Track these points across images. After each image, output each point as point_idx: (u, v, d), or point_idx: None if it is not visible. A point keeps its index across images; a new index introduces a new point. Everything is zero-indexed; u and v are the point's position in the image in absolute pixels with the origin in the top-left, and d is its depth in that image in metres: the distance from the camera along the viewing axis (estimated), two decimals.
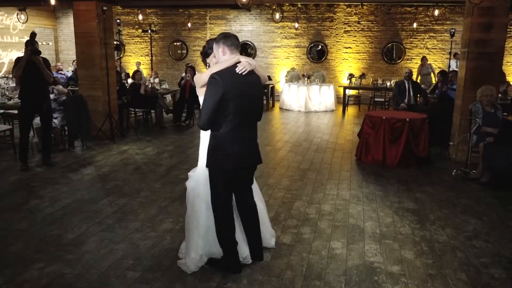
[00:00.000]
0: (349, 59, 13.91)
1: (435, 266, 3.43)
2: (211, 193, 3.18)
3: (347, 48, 13.86)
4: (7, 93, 7.93)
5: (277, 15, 13.05)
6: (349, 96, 13.16)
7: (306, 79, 12.83)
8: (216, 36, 3.14)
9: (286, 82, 13.40)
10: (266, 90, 12.09)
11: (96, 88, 8.05)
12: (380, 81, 12.45)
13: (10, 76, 9.68)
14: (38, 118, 6.36)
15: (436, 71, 12.05)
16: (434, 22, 13.10)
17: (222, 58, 3.08)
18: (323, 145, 7.83)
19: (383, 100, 11.85)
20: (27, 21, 12.90)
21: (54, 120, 6.85)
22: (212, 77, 2.94)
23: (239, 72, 2.99)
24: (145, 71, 13.99)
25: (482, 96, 5.81)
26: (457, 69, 8.22)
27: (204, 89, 3.06)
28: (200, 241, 3.28)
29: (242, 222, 3.35)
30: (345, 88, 12.57)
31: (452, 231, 4.11)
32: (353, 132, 8.87)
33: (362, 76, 13.30)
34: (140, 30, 14.67)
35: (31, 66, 5.75)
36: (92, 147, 7.38)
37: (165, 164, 6.38)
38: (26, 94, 5.94)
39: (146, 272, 3.26)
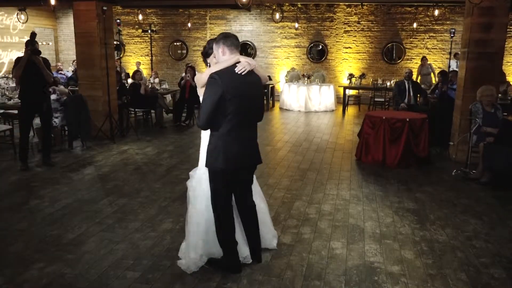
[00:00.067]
0: (349, 59, 13.91)
1: (435, 266, 3.43)
2: (211, 193, 3.18)
3: (347, 48, 13.86)
4: (7, 93, 7.94)
5: (277, 15, 13.05)
6: (349, 96, 13.16)
7: (306, 79, 12.83)
8: (216, 36, 3.15)
9: (286, 82, 13.40)
10: (266, 90, 12.09)
11: (96, 88, 8.05)
12: (380, 81, 12.45)
13: (10, 76, 9.68)
14: (38, 118, 6.36)
15: (436, 71, 12.05)
16: (434, 22, 13.10)
17: (222, 58, 3.08)
18: (323, 145, 7.83)
19: (383, 100, 11.85)
20: (27, 21, 12.91)
21: (55, 120, 6.85)
22: (212, 76, 2.94)
23: (239, 72, 2.99)
24: (145, 71, 13.99)
25: (482, 96, 5.81)
26: (457, 69, 8.22)
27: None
28: (200, 241, 3.28)
29: (242, 222, 3.35)
30: (345, 88, 12.58)
31: (452, 231, 4.12)
32: (353, 132, 8.87)
33: (362, 76, 13.29)
34: (140, 30, 14.66)
35: (31, 66, 5.76)
36: (92, 147, 7.38)
37: (165, 164, 6.38)
38: (26, 94, 5.94)
39: (146, 272, 3.26)
